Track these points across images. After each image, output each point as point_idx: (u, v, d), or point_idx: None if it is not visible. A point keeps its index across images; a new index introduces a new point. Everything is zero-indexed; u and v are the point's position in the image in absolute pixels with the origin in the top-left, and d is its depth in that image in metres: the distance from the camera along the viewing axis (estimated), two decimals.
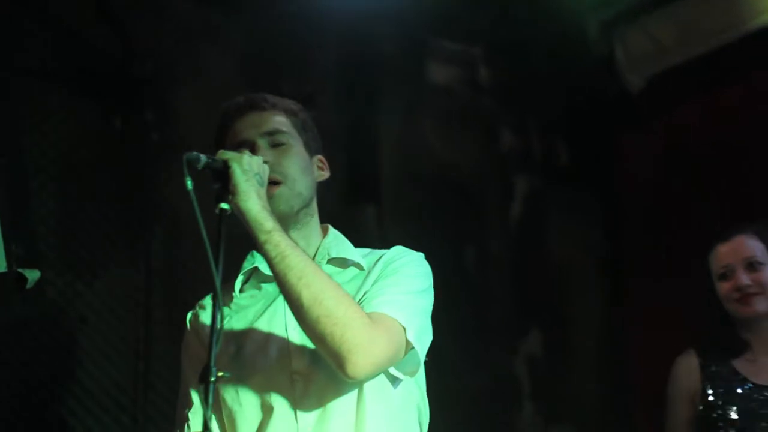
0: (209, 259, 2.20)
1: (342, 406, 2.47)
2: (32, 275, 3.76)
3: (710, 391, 3.55)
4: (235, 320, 2.59)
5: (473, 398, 5.01)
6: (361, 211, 4.95)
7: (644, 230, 5.40)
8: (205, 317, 2.66)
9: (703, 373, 3.60)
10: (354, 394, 2.48)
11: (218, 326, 2.21)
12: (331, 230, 2.75)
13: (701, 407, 3.56)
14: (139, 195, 4.24)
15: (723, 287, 3.59)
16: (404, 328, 2.42)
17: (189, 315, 2.75)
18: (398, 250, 2.67)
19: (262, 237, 2.34)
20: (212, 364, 2.18)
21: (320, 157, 2.78)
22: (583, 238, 5.59)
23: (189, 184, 2.24)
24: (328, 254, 2.65)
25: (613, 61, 5.39)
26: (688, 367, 3.66)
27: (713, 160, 4.97)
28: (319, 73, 4.84)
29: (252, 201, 2.35)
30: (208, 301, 2.69)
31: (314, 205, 2.70)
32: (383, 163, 5.07)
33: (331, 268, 2.61)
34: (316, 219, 2.72)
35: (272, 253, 2.34)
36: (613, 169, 5.60)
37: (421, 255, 2.69)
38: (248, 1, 4.61)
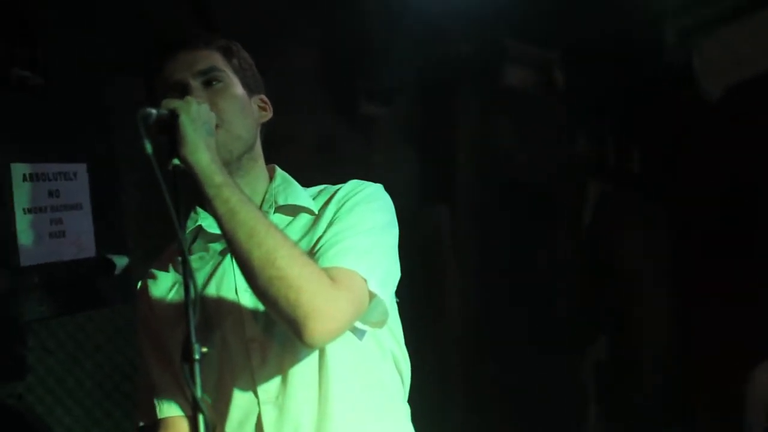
0: (174, 223, 1.99)
1: (304, 371, 2.30)
2: (120, 261, 3.82)
3: None
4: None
5: (540, 400, 5.02)
6: (434, 209, 4.97)
7: (715, 240, 5.36)
8: (157, 289, 2.48)
9: None
10: (315, 356, 2.30)
11: (192, 296, 1.99)
12: (278, 173, 2.54)
13: None
14: None
15: None
16: (365, 280, 2.22)
17: (138, 285, 2.54)
18: (353, 184, 2.45)
19: (211, 192, 2.12)
20: (194, 339, 1.97)
21: (262, 96, 2.55)
22: (653, 246, 5.56)
23: (148, 147, 1.99)
24: (276, 201, 2.44)
25: (690, 70, 5.35)
26: (763, 378, 3.62)
27: None
28: (396, 71, 4.86)
29: (201, 152, 2.13)
30: (159, 271, 2.51)
31: (258, 149, 2.50)
32: (458, 162, 5.09)
33: (280, 217, 2.42)
34: (261, 163, 2.51)
35: (221, 210, 2.11)
36: (685, 178, 5.56)
37: (378, 186, 2.47)
38: None
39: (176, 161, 2.13)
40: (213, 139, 2.21)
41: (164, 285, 2.48)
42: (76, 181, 3.83)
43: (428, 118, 5.02)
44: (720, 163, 5.28)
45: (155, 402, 2.42)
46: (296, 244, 2.19)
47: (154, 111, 2.12)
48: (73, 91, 3.85)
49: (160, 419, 2.43)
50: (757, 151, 5.06)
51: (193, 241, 2.46)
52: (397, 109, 4.94)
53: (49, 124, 3.80)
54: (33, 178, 3.74)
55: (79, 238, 3.81)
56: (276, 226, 2.18)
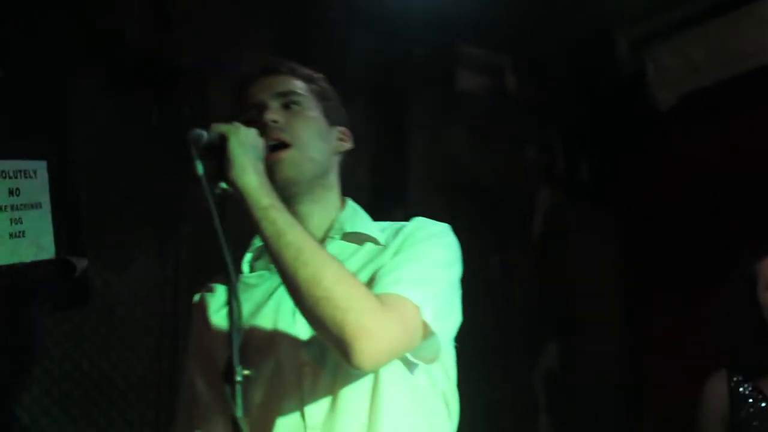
0: (221, 246, 2.02)
1: (354, 398, 2.24)
2: (80, 263, 3.75)
3: (738, 414, 3.54)
4: (242, 302, 2.21)
5: (490, 408, 4.99)
6: (387, 215, 4.92)
7: (664, 249, 5.38)
8: (214, 303, 2.45)
9: (732, 395, 3.58)
10: (368, 384, 2.24)
11: (237, 318, 2.03)
12: (349, 204, 2.53)
13: (730, 430, 3.54)
14: (169, 189, 4.17)
15: None
16: (418, 308, 2.16)
17: (196, 297, 2.54)
18: (420, 221, 2.43)
19: (258, 213, 2.12)
20: (236, 362, 1.99)
21: (343, 129, 2.56)
22: (604, 254, 5.58)
23: (199, 168, 2.05)
24: (343, 228, 2.42)
25: (643, 78, 5.37)
26: (716, 388, 3.64)
27: (741, 184, 4.93)
28: (350, 75, 4.82)
29: (249, 175, 2.14)
30: (218, 285, 2.48)
31: (333, 178, 2.49)
32: (411, 168, 5.06)
33: (345, 245, 2.39)
34: (335, 193, 2.50)
35: (268, 231, 2.11)
36: (636, 186, 5.58)
37: (446, 226, 2.45)
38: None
39: (224, 185, 2.14)
40: (261, 163, 2.21)
41: (221, 299, 2.43)
42: (36, 180, 3.75)
43: (381, 123, 4.98)
44: (670, 171, 5.31)
45: (195, 416, 2.41)
46: (343, 265, 2.16)
47: (204, 133, 2.14)
48: (35, 86, 3.77)
49: None
50: (707, 158, 5.10)
51: (258, 258, 2.48)
52: (349, 113, 4.89)
53: (8, 120, 3.70)
54: None
55: (39, 239, 3.72)
56: (323, 248, 2.19)
